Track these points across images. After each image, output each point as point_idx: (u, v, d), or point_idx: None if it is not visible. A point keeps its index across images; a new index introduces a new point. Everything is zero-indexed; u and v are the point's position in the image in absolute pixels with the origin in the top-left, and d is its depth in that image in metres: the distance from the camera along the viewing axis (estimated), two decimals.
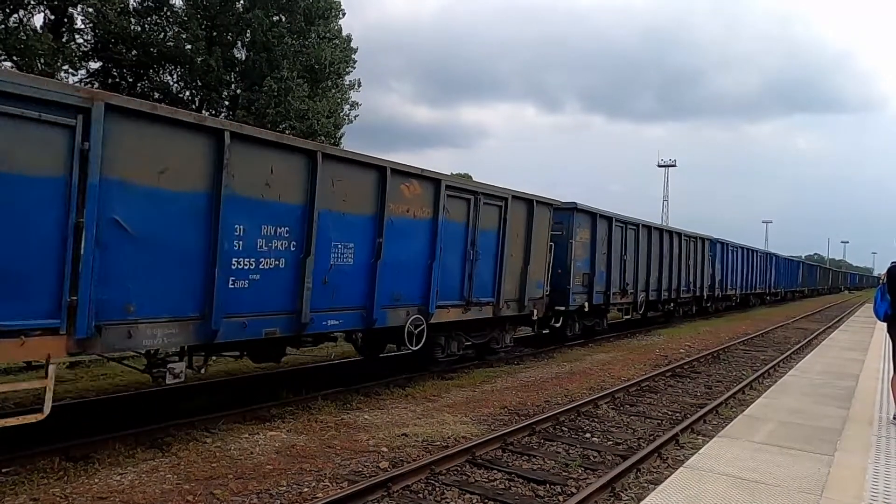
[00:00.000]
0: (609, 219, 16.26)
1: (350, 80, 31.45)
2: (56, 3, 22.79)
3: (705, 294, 24.89)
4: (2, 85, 5.01)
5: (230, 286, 6.80)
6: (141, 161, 5.99)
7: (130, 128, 5.88)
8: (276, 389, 8.87)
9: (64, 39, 23.34)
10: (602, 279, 15.85)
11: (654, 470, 6.46)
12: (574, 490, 5.76)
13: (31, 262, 5.27)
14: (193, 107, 27.05)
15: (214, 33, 26.85)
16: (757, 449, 6.02)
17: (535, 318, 12.73)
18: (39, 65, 20.39)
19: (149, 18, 26.09)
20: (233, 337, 6.99)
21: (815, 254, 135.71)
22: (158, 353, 6.98)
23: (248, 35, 27.30)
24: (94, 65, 25.84)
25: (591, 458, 6.85)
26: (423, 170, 9.51)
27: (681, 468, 5.55)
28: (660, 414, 9.03)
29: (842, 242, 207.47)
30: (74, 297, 5.46)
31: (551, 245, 13.13)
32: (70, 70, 23.91)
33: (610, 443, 7.45)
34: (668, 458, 6.88)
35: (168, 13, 26.35)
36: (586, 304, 15.03)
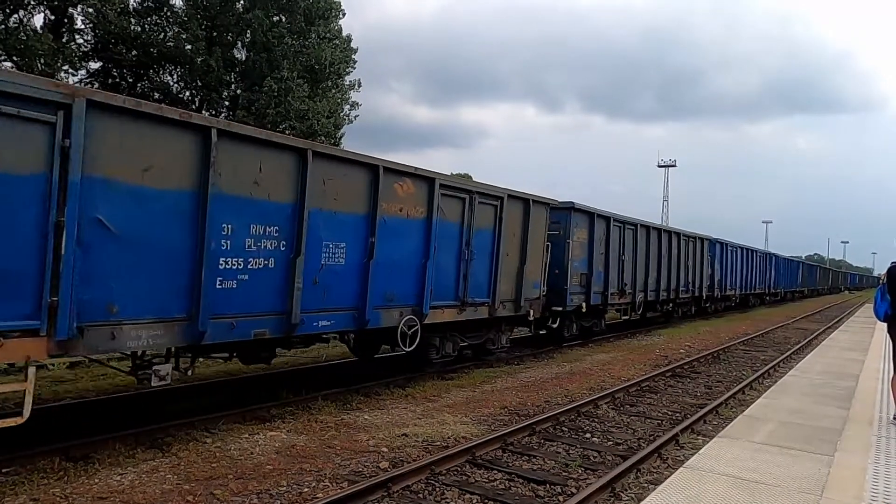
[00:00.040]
0: (607, 218, 16.17)
1: (350, 81, 31.51)
2: (56, 3, 22.80)
3: (704, 294, 24.81)
4: None
5: (218, 286, 6.69)
6: (125, 158, 5.88)
7: (113, 125, 5.77)
8: (276, 389, 8.87)
9: (64, 40, 23.35)
10: (600, 279, 15.76)
11: (655, 470, 6.46)
12: (574, 490, 5.76)
13: (10, 261, 5.16)
14: (193, 107, 27.06)
15: (214, 33, 26.86)
16: (757, 449, 6.02)
17: (531, 318, 12.63)
18: (39, 65, 20.40)
19: (149, 19, 26.11)
20: (221, 338, 6.88)
21: (815, 254, 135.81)
22: (145, 355, 6.91)
23: (248, 35, 27.32)
24: (94, 65, 25.89)
25: (592, 458, 6.85)
26: (416, 168, 9.41)
27: (681, 468, 5.55)
28: (660, 414, 9.03)
29: (842, 242, 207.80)
30: (55, 298, 5.34)
31: (548, 245, 12.99)
32: (70, 70, 23.94)
33: (610, 443, 7.45)
34: (668, 458, 6.88)
35: (168, 13, 26.37)
36: (584, 304, 14.93)
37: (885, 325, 7.43)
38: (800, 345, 17.52)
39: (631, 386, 10.50)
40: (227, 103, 28.53)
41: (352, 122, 32.38)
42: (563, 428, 7.95)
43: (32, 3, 22.62)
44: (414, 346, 9.43)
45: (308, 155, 7.56)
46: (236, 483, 5.61)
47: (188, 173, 6.40)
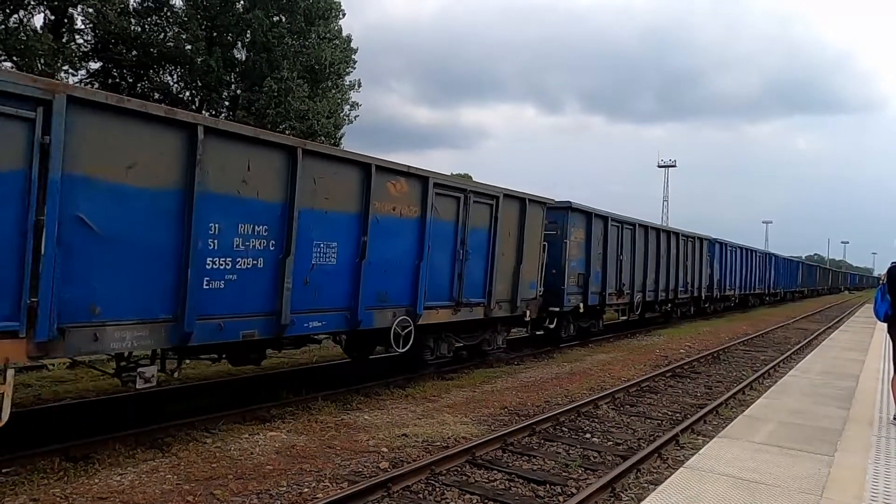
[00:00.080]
0: (605, 218, 16.05)
1: (350, 81, 31.52)
2: (56, 3, 22.81)
3: (703, 295, 24.74)
4: None
5: (205, 287, 6.57)
6: (107, 156, 5.75)
7: (95, 121, 5.63)
8: (276, 389, 8.87)
9: (64, 40, 23.36)
10: (598, 279, 15.67)
11: (655, 470, 6.46)
12: (574, 490, 5.76)
13: None
14: (194, 107, 27.07)
15: (214, 34, 26.87)
16: (757, 449, 6.02)
17: (527, 318, 12.52)
18: (39, 65, 20.41)
19: (149, 19, 26.12)
20: (208, 339, 6.76)
21: (816, 254, 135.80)
22: (131, 356, 6.79)
23: (248, 35, 27.32)
24: (95, 65, 25.90)
25: (592, 458, 6.85)
26: (409, 167, 9.29)
27: (681, 468, 5.55)
28: (660, 414, 9.03)
29: (842, 243, 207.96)
30: (35, 299, 5.21)
31: (545, 245, 12.87)
32: (70, 70, 23.94)
33: (610, 443, 7.45)
34: (668, 458, 6.88)
35: (168, 13, 26.38)
36: (581, 304, 14.83)
37: (886, 325, 7.43)
38: (800, 345, 17.52)
39: (631, 386, 10.50)
40: (227, 103, 28.54)
41: (352, 122, 32.42)
42: (563, 428, 7.95)
43: (32, 3, 22.63)
44: (408, 348, 9.31)
45: (298, 153, 7.44)
46: (236, 483, 5.61)
47: (174, 171, 6.27)
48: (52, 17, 23.42)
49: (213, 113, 27.50)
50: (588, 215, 15.25)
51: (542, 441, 7.36)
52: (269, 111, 25.75)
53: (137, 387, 6.51)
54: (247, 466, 6.04)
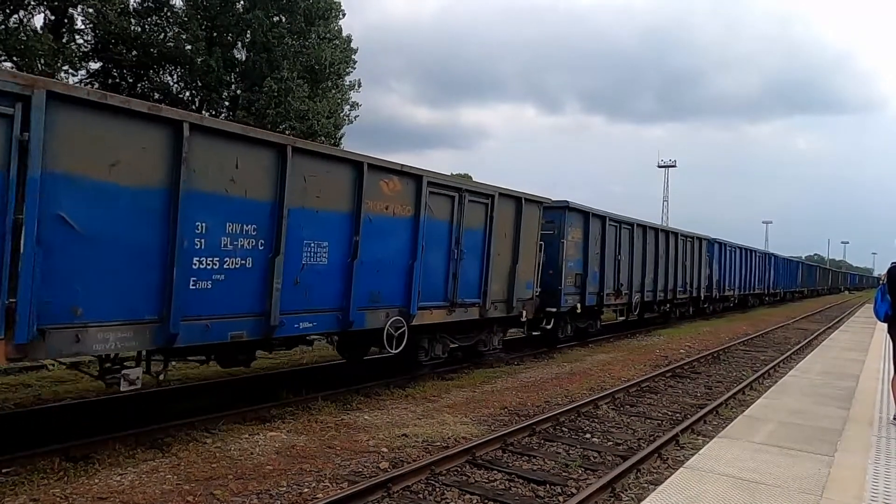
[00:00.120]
0: (602, 218, 15.92)
1: (350, 81, 31.55)
2: (56, 3, 22.82)
3: (702, 295, 24.64)
4: None
5: (191, 287, 6.44)
6: (89, 153, 5.60)
7: (77, 118, 5.48)
8: (276, 389, 8.87)
9: (64, 40, 23.37)
10: (595, 280, 15.54)
11: (655, 470, 6.46)
12: (574, 490, 5.76)
13: None
14: (194, 107, 27.09)
15: (214, 34, 26.88)
16: (757, 449, 6.02)
17: (524, 319, 12.38)
18: (39, 65, 20.42)
19: (149, 19, 26.14)
20: (195, 341, 6.62)
21: (816, 254, 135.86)
22: (117, 358, 6.62)
23: (248, 35, 27.34)
24: (95, 65, 25.92)
25: (592, 458, 6.85)
26: (403, 165, 9.15)
27: (681, 469, 5.55)
28: (660, 414, 9.03)
29: (842, 243, 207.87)
30: (13, 300, 5.09)
31: (541, 244, 12.75)
32: (70, 70, 23.96)
33: (610, 443, 7.45)
34: (668, 458, 6.88)
35: (168, 14, 26.40)
36: (578, 305, 14.66)
37: (886, 325, 7.43)
38: (800, 345, 17.52)
39: (631, 386, 10.50)
40: (227, 104, 28.55)
41: (352, 122, 32.44)
42: (563, 428, 7.95)
43: (32, 3, 22.64)
44: (401, 349, 9.18)
45: (288, 151, 7.32)
46: (236, 483, 5.61)
47: (159, 169, 6.13)
48: (52, 18, 23.44)
49: (213, 113, 27.51)
50: (585, 215, 15.13)
51: (542, 441, 7.36)
52: (269, 111, 25.77)
53: (122, 389, 6.38)
54: (247, 466, 6.04)
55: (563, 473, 6.29)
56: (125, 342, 6.01)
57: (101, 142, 5.69)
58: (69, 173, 5.50)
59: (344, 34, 30.14)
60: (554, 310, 13.79)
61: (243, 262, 6.99)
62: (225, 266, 6.80)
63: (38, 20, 23.54)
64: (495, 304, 11.37)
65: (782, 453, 5.93)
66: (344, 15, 29.94)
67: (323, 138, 26.70)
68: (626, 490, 5.86)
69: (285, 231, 7.35)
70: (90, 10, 23.52)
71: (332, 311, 8.19)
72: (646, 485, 5.97)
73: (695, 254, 23.40)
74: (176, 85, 27.81)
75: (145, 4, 25.96)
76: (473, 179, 23.09)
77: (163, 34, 26.37)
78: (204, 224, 6.56)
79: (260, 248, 7.17)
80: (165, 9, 26.21)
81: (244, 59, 28.02)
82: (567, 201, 14.33)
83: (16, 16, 22.43)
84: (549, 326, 13.93)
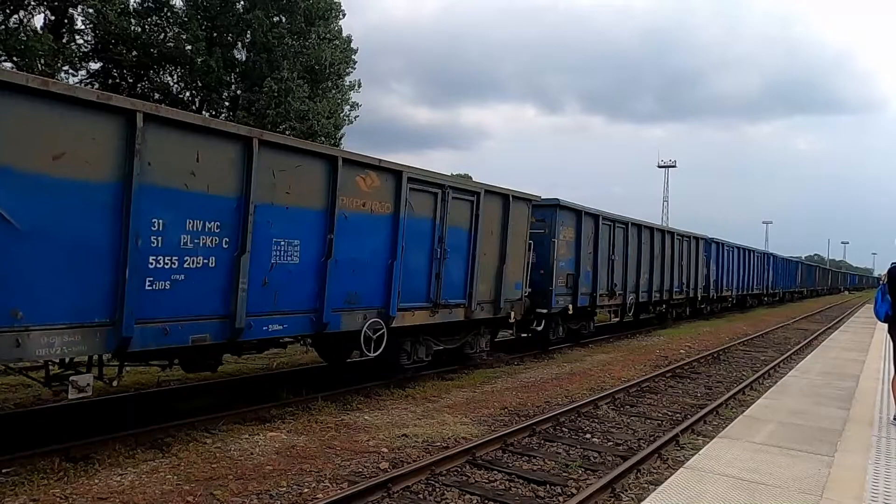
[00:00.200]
0: (595, 217, 15.53)
1: (350, 81, 31.53)
2: (56, 3, 22.82)
3: (699, 295, 24.36)
4: None
5: (147, 288, 6.05)
6: (30, 144, 5.24)
7: (15, 106, 5.11)
8: (276, 390, 8.87)
9: (64, 40, 23.36)
10: (588, 280, 15.11)
11: (655, 471, 6.46)
12: (574, 491, 5.76)
13: None
14: (194, 107, 27.09)
15: (214, 34, 26.89)
16: (757, 449, 6.02)
17: (512, 320, 11.99)
18: (39, 65, 20.41)
19: (149, 19, 26.13)
20: (152, 345, 6.23)
21: (816, 254, 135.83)
22: (71, 363, 6.30)
23: (248, 36, 27.34)
24: (95, 65, 25.93)
25: (592, 458, 6.85)
26: (381, 160, 8.73)
27: (681, 469, 5.55)
28: (660, 414, 9.03)
29: (842, 243, 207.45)
30: None
31: (530, 244, 12.32)
32: (70, 70, 23.97)
33: (610, 443, 7.45)
34: (668, 458, 6.88)
35: (168, 14, 26.39)
36: (570, 306, 14.30)
37: (886, 325, 7.43)
38: (800, 345, 17.52)
39: (631, 386, 10.50)
40: (227, 104, 28.56)
41: (352, 122, 32.43)
42: (564, 428, 7.95)
43: (32, 3, 22.64)
44: (380, 351, 8.80)
45: (254, 144, 6.92)
46: (236, 483, 5.61)
47: (109, 162, 5.73)
48: (52, 18, 23.42)
49: (213, 113, 27.53)
50: (578, 213, 14.73)
51: (543, 441, 7.36)
52: (270, 111, 25.76)
53: (70, 397, 5.98)
54: (247, 467, 6.04)
55: (564, 474, 6.29)
56: (72, 346, 5.61)
57: (44, 132, 5.31)
58: (6, 166, 5.13)
59: (344, 34, 30.15)
60: (545, 311, 13.40)
61: (206, 261, 6.60)
62: (185, 265, 6.41)
63: (38, 20, 23.57)
64: (482, 304, 10.97)
65: (782, 453, 5.93)
66: (344, 15, 29.97)
67: (323, 138, 26.70)
68: (627, 490, 5.86)
69: (252, 228, 6.95)
70: (90, 11, 23.51)
71: (304, 313, 7.80)
72: (646, 485, 5.97)
73: (691, 254, 23.11)
74: (176, 85, 27.82)
75: (145, 4, 25.96)
76: (473, 179, 23.08)
77: (163, 34, 26.37)
78: (161, 221, 6.17)
79: (224, 246, 6.77)
80: (165, 9, 26.20)
81: (244, 59, 28.02)
82: (558, 199, 13.95)
83: (16, 16, 22.43)
84: (539, 328, 13.52)
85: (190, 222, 6.43)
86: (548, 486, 5.91)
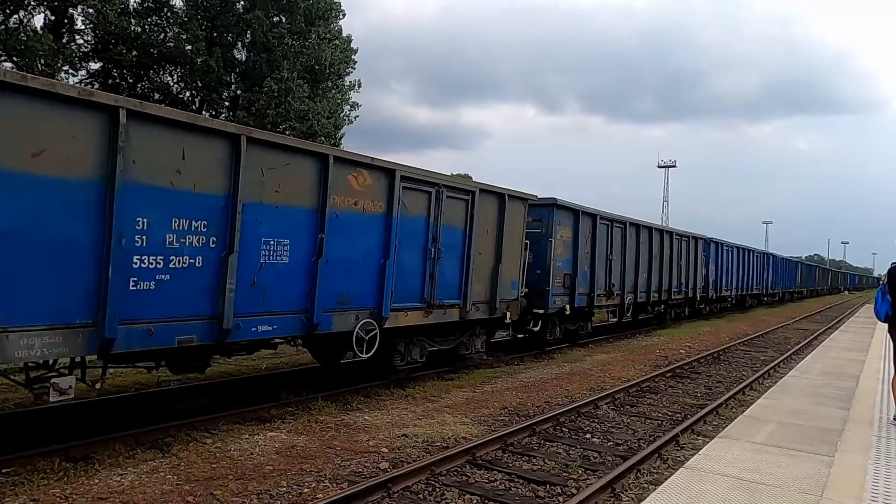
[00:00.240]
0: (593, 216, 15.43)
1: (350, 81, 31.55)
2: (56, 3, 22.82)
3: (698, 295, 24.28)
4: None
5: (132, 288, 5.93)
6: (8, 141, 5.11)
7: None
8: (276, 390, 8.87)
9: (64, 40, 23.37)
10: (585, 280, 15.05)
11: (655, 471, 6.46)
12: (574, 491, 5.76)
13: None
14: (194, 107, 27.10)
15: (214, 34, 26.90)
16: (757, 449, 6.02)
17: (508, 321, 11.88)
18: (40, 65, 20.42)
19: (149, 19, 26.15)
20: (136, 346, 6.11)
21: (816, 254, 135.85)
22: (55, 365, 6.19)
23: (248, 36, 27.35)
24: (95, 65, 25.94)
25: (592, 458, 6.85)
26: (373, 158, 8.60)
27: (681, 469, 5.55)
28: (660, 414, 9.03)
29: (842, 243, 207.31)
30: None
31: (527, 243, 12.23)
32: (70, 70, 23.98)
33: (610, 443, 7.45)
34: (668, 458, 6.88)
35: (168, 14, 26.41)
36: (567, 306, 14.17)
37: (886, 325, 7.44)
38: (800, 345, 17.52)
39: (631, 386, 10.50)
40: (227, 104, 28.57)
41: (352, 122, 32.45)
42: (564, 428, 7.95)
43: (32, 3, 22.64)
44: (372, 352, 8.66)
45: (242, 141, 6.78)
46: (236, 483, 5.61)
47: (91, 159, 5.61)
48: (52, 18, 23.44)
49: (213, 113, 27.54)
50: (575, 213, 14.61)
51: (543, 441, 7.36)
52: (270, 111, 25.77)
53: (51, 400, 5.86)
54: (247, 467, 6.04)
55: (564, 474, 6.29)
56: (54, 348, 5.48)
57: (22, 129, 5.18)
58: None
59: (344, 34, 30.17)
60: (541, 311, 13.30)
61: (192, 260, 6.47)
62: (171, 265, 6.28)
63: (38, 20, 23.59)
64: (477, 305, 10.84)
65: (782, 453, 5.93)
66: (344, 15, 29.99)
67: (323, 139, 26.70)
68: (627, 490, 5.86)
69: (240, 227, 6.83)
70: (90, 11, 23.52)
71: (294, 314, 7.67)
72: (646, 485, 5.97)
73: (690, 253, 23.04)
74: (176, 85, 27.83)
75: (145, 4, 25.97)
76: (473, 179, 23.07)
77: (163, 34, 26.38)
78: (146, 220, 6.04)
79: (211, 245, 6.64)
80: (165, 9, 26.22)
81: (244, 59, 28.03)
82: (555, 199, 13.87)
83: (16, 16, 22.44)
84: (536, 328, 13.42)
85: (176, 221, 6.33)
86: (548, 486, 5.91)
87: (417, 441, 7.08)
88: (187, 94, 28.04)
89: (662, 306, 21.27)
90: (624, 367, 12.69)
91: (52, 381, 5.86)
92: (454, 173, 25.54)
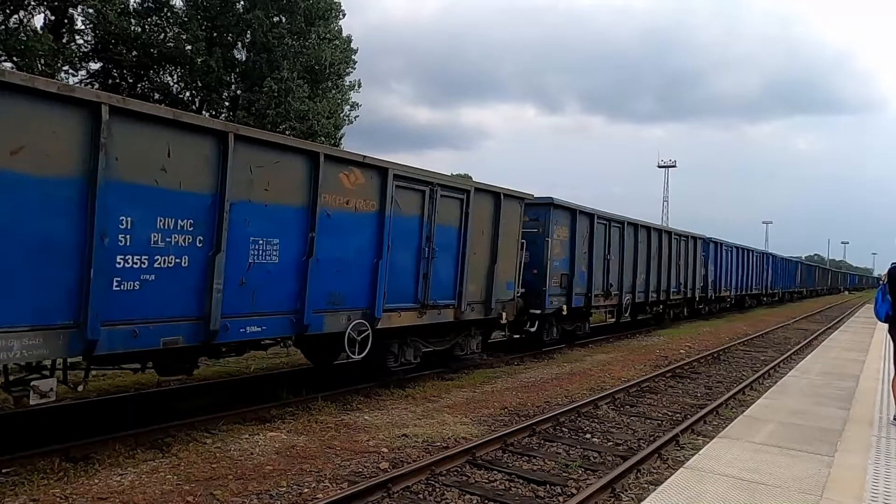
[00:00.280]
0: (590, 215, 15.31)
1: (350, 81, 31.53)
2: (56, 3, 22.82)
3: (697, 295, 24.22)
4: None
5: (115, 288, 5.82)
6: None
7: None
8: (276, 390, 8.87)
9: (64, 40, 23.36)
10: (583, 280, 14.96)
11: (655, 471, 6.46)
12: (574, 491, 5.76)
13: None
14: (194, 107, 27.10)
15: (214, 34, 26.89)
16: (757, 449, 6.02)
17: (504, 321, 11.75)
18: (40, 65, 20.41)
19: (149, 19, 26.13)
20: (120, 347, 5.98)
21: (816, 254, 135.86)
22: (38, 367, 6.09)
23: (248, 36, 27.34)
24: (95, 65, 25.92)
25: (592, 458, 6.85)
26: (365, 157, 8.46)
27: (681, 469, 5.55)
28: (660, 414, 9.03)
29: (842, 243, 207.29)
30: None
31: (523, 243, 12.08)
32: (70, 71, 23.97)
33: (610, 443, 7.45)
34: (668, 458, 6.88)
35: (168, 14, 26.40)
36: (565, 307, 14.07)
37: (886, 325, 7.44)
38: (800, 345, 17.52)
39: (631, 386, 10.50)
40: (227, 104, 28.57)
41: (352, 122, 32.44)
42: (564, 428, 7.95)
43: (32, 3, 22.64)
44: (365, 354, 8.56)
45: (230, 139, 6.67)
46: (236, 483, 5.61)
47: (72, 157, 5.49)
48: (52, 18, 23.43)
49: (213, 113, 27.53)
50: (572, 212, 14.49)
51: (543, 441, 7.36)
52: (270, 111, 25.77)
53: (31, 402, 5.73)
54: (247, 467, 6.04)
55: (564, 474, 6.29)
56: (33, 350, 5.35)
57: (0, 125, 5.09)
58: None
59: (344, 34, 30.16)
60: (538, 311, 13.17)
61: (178, 260, 6.35)
62: (156, 265, 6.15)
63: (38, 20, 23.58)
64: (472, 305, 10.72)
65: (782, 453, 5.93)
66: (344, 15, 29.98)
67: (323, 139, 26.70)
68: (627, 490, 5.86)
69: (227, 226, 6.70)
70: (90, 11, 23.51)
71: (284, 314, 7.55)
72: (646, 485, 5.97)
73: (689, 253, 22.96)
74: (176, 85, 27.82)
75: (145, 5, 25.96)
76: (473, 179, 23.06)
77: (163, 34, 26.37)
78: (129, 218, 5.92)
79: (198, 245, 6.52)
80: (165, 9, 26.20)
81: (244, 59, 28.03)
82: (552, 198, 13.78)
83: (16, 16, 22.44)
84: (532, 329, 13.29)
85: (161, 220, 6.20)
86: (548, 486, 5.91)
87: (417, 441, 7.08)
88: (187, 94, 28.04)
89: (661, 306, 21.18)
90: (624, 367, 12.69)
91: (33, 383, 5.74)
92: (454, 173, 25.55)
